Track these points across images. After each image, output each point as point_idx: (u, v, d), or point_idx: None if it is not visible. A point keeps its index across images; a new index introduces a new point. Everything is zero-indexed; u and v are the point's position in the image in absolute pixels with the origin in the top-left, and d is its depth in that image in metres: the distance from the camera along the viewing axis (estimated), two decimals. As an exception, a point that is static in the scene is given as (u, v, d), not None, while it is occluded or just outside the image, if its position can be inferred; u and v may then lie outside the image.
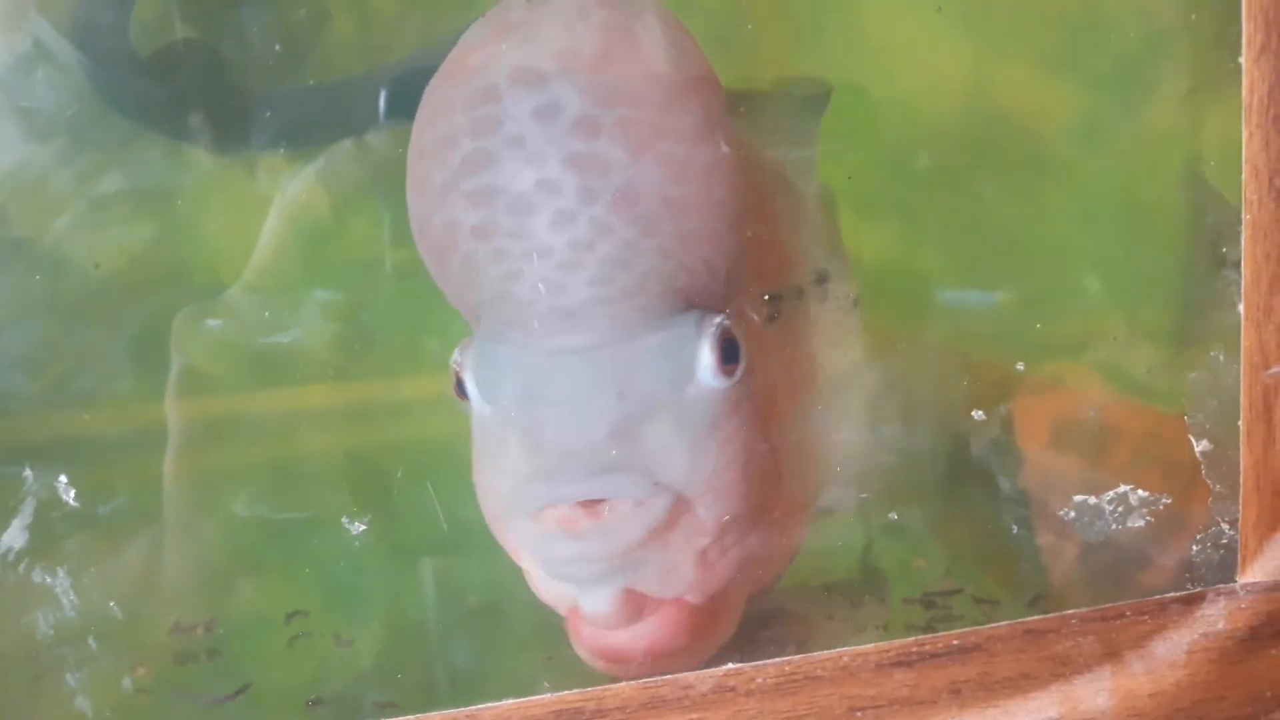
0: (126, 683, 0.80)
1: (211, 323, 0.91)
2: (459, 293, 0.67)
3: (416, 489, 0.69)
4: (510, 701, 0.62)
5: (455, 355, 0.68)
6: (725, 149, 0.64)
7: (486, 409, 0.68)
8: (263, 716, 0.73)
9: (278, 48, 1.04)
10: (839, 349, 0.85)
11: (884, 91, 1.13)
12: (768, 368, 0.77)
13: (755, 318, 0.73)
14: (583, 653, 0.70)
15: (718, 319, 0.66)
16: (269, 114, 1.04)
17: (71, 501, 0.77)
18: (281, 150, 1.05)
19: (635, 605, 0.67)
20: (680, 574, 0.67)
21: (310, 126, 1.09)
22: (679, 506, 0.65)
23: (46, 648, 0.79)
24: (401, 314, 0.96)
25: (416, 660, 0.86)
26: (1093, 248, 0.99)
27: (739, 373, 0.67)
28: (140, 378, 0.92)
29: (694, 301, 0.66)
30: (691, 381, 0.66)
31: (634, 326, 0.64)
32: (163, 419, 0.89)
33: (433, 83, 0.66)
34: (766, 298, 0.79)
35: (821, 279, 0.84)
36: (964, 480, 0.89)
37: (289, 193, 1.01)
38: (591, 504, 0.64)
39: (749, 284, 0.77)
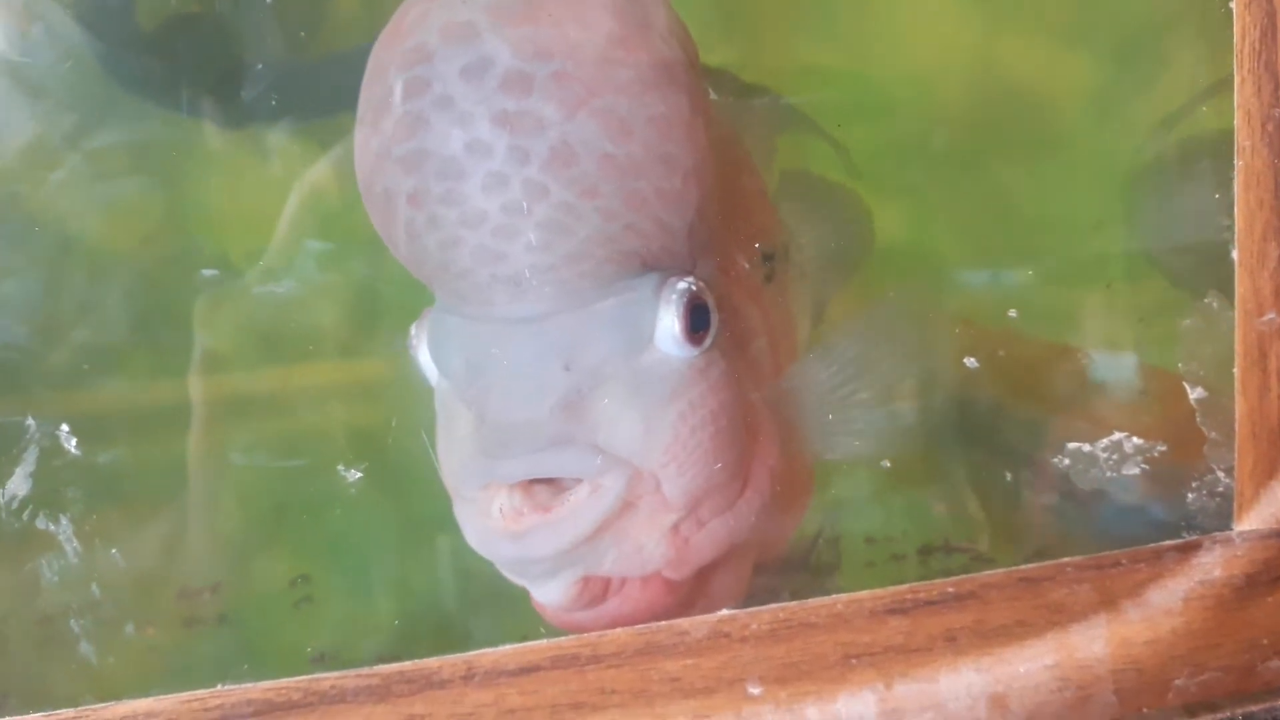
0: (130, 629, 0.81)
1: (207, 272, 0.91)
2: (409, 263, 0.64)
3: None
4: (508, 647, 0.61)
5: (413, 327, 0.67)
6: (683, 100, 0.60)
7: (442, 381, 0.66)
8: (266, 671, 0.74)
9: (284, 21, 1.05)
10: (800, 316, 0.85)
11: (891, 69, 1.13)
12: (770, 327, 0.76)
13: (748, 268, 0.72)
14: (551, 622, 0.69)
15: (682, 283, 0.63)
16: (275, 87, 1.05)
17: (73, 450, 0.77)
18: (288, 124, 1.06)
19: (595, 589, 0.65)
20: (648, 553, 0.65)
21: (317, 99, 1.09)
22: (636, 485, 0.63)
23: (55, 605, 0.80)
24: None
25: (416, 610, 0.86)
26: (1094, 209, 0.99)
27: (709, 339, 0.64)
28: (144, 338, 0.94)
29: (652, 264, 0.63)
30: (648, 349, 0.63)
31: (583, 293, 0.61)
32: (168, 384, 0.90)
33: (375, 45, 0.63)
34: (764, 255, 0.79)
35: (785, 245, 0.84)
36: (959, 433, 0.90)
37: (308, 179, 1.01)
38: (540, 485, 0.62)
39: (747, 240, 0.77)
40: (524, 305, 0.61)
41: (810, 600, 0.65)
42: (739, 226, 0.75)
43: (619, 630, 0.63)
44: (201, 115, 1.05)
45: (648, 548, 0.65)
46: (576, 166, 0.57)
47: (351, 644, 0.88)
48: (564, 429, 0.61)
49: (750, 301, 0.71)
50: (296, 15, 1.10)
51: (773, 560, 0.83)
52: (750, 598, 0.76)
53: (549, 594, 0.65)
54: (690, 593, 0.70)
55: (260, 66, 1.04)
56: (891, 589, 0.66)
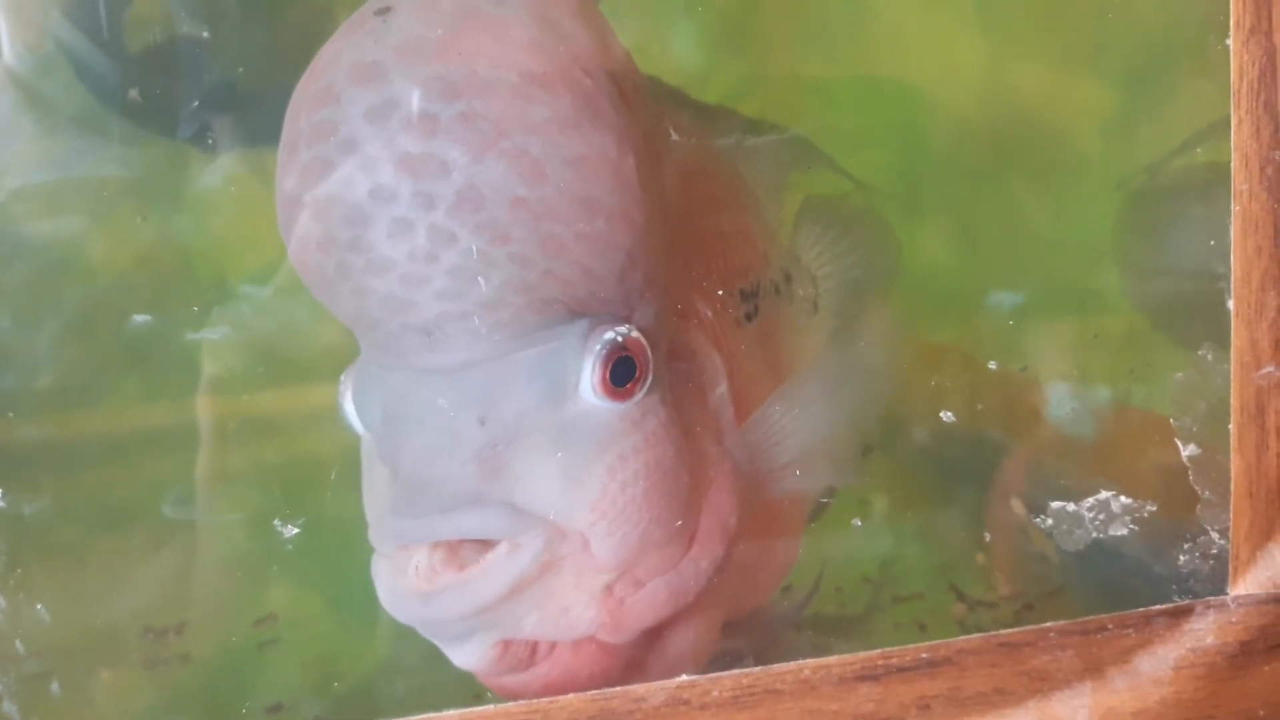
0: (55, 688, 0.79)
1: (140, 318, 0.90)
2: (331, 310, 0.61)
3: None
4: (453, 712, 0.59)
5: (343, 375, 0.64)
6: (608, 139, 0.57)
7: (366, 434, 0.64)
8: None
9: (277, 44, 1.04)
10: (804, 353, 0.81)
11: (896, 85, 1.11)
12: (744, 369, 0.73)
13: (711, 314, 0.69)
14: None
15: (609, 333, 0.60)
16: (267, 110, 1.04)
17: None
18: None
19: (519, 653, 0.62)
20: (575, 615, 0.62)
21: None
22: (558, 544, 0.59)
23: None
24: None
25: (361, 667, 0.84)
26: (1094, 244, 0.97)
27: (641, 390, 0.60)
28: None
29: (580, 310, 0.59)
30: (573, 400, 0.59)
31: (501, 343, 0.58)
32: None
33: (297, 86, 0.59)
34: (743, 294, 0.76)
35: (786, 279, 0.81)
36: (944, 482, 0.87)
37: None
38: (467, 542, 0.59)
39: (718, 280, 0.74)
40: (437, 355, 0.58)
41: (776, 665, 0.62)
42: (704, 265, 0.72)
43: (571, 696, 0.60)
44: (191, 137, 1.03)
45: (575, 610, 0.62)
46: (485, 211, 0.55)
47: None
48: (477, 486, 0.58)
49: (713, 345, 0.68)
50: (291, 38, 1.09)
51: (749, 618, 0.79)
52: (715, 660, 0.72)
53: (464, 657, 0.62)
54: (639, 656, 0.66)
55: (251, 90, 1.03)
56: (861, 654, 0.63)
